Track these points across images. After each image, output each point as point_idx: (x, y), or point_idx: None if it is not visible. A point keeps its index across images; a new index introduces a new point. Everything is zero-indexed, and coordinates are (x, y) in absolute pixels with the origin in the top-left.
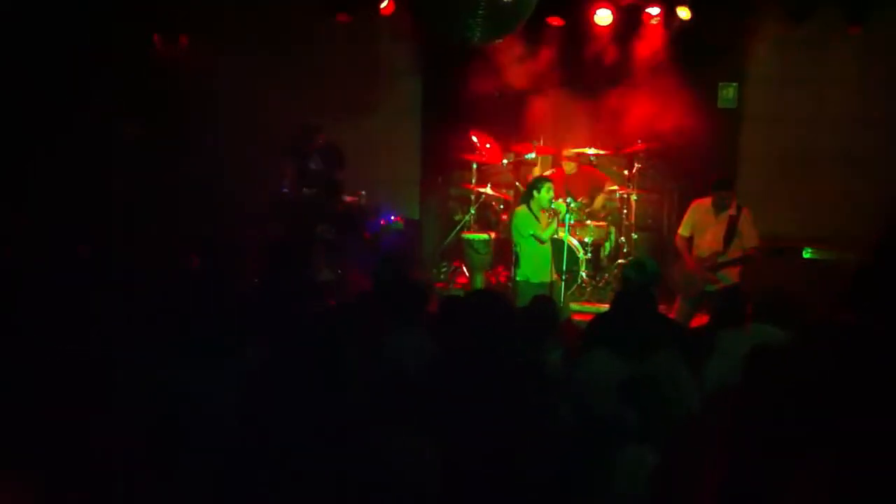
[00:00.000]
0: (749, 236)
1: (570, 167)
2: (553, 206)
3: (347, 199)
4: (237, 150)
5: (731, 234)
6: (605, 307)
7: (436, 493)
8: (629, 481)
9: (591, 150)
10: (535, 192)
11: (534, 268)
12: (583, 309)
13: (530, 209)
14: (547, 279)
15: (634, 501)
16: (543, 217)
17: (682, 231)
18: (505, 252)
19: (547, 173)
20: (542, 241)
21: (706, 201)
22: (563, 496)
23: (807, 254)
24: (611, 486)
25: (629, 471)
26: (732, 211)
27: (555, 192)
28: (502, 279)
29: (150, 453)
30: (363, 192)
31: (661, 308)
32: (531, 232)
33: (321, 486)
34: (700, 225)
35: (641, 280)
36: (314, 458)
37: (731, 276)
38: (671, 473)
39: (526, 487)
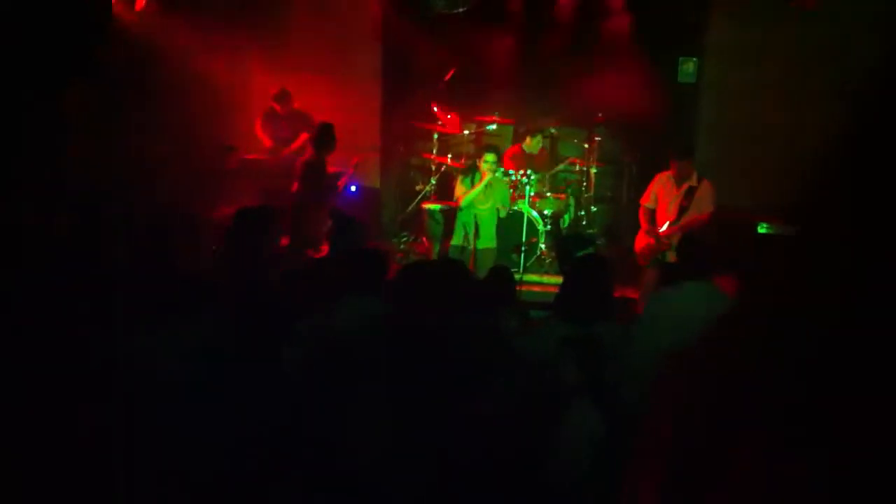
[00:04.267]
0: (704, 206)
1: (532, 146)
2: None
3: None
4: (200, 117)
5: (685, 203)
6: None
7: (389, 464)
8: (575, 439)
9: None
10: (476, 160)
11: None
12: (542, 280)
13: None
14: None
15: (580, 461)
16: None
17: (645, 202)
18: None
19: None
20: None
21: (668, 173)
22: (515, 461)
23: (762, 229)
24: (558, 448)
25: (574, 428)
26: (693, 182)
27: (511, 164)
28: None
29: (106, 420)
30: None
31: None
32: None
33: (271, 454)
34: (661, 196)
35: (565, 249)
36: (270, 427)
37: None
38: (616, 433)
39: (481, 455)
